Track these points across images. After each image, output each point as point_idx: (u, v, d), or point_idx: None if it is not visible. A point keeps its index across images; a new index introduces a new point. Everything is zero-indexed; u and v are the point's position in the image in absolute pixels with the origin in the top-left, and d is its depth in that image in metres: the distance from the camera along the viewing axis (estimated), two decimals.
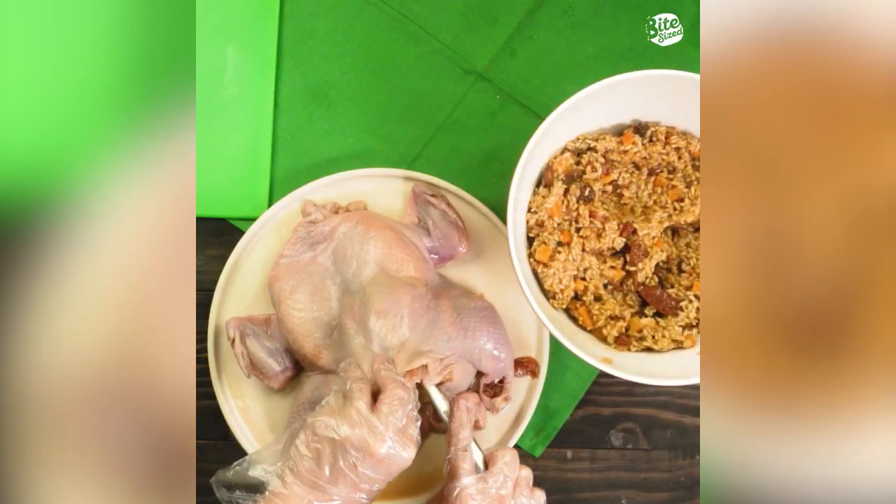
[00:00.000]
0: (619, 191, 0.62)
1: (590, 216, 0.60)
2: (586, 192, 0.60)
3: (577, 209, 0.60)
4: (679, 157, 0.62)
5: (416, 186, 0.66)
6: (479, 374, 0.62)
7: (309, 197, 0.66)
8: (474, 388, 0.62)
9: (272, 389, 0.64)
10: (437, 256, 0.65)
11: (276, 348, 0.63)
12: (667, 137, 0.62)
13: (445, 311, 0.60)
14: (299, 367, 0.64)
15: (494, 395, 0.63)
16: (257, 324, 0.64)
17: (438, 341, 0.58)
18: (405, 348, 0.58)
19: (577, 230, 0.60)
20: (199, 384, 0.64)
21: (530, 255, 0.60)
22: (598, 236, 0.60)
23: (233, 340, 0.63)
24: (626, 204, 0.63)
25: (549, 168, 0.61)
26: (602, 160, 0.61)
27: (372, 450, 0.50)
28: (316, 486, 0.50)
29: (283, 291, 0.62)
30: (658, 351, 0.60)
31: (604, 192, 0.62)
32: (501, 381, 0.63)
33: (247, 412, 0.65)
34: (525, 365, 0.65)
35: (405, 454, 0.51)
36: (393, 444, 0.50)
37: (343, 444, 0.50)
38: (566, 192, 0.61)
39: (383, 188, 0.67)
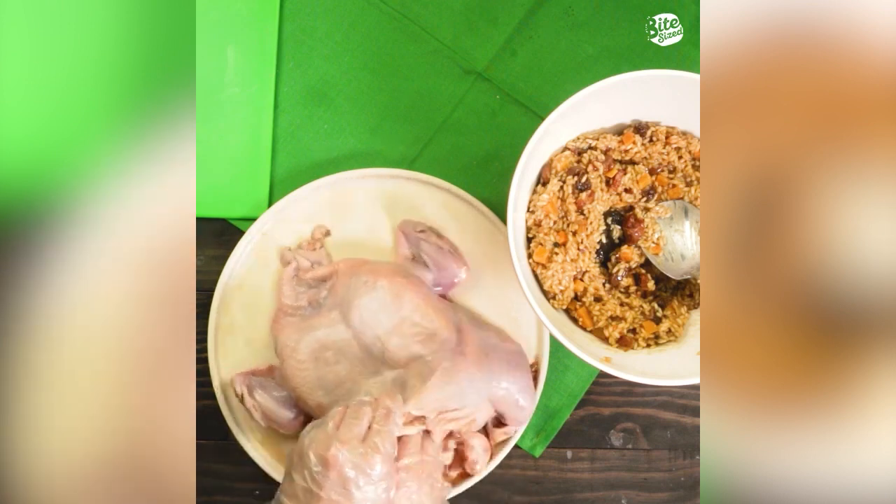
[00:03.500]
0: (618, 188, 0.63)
1: (577, 208, 0.60)
2: (584, 180, 0.60)
3: (572, 202, 0.60)
4: (679, 157, 0.62)
5: (402, 225, 0.66)
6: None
7: (307, 197, 0.66)
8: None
9: (287, 436, 0.63)
10: (439, 288, 0.65)
11: (285, 396, 0.63)
12: (667, 137, 0.62)
13: (471, 352, 0.60)
14: None
15: (496, 426, 0.63)
16: (261, 375, 0.64)
17: (461, 382, 0.58)
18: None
19: (573, 233, 0.60)
20: (198, 384, 0.64)
21: (529, 256, 0.60)
22: (586, 229, 0.60)
23: (241, 396, 0.62)
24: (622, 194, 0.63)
25: (548, 165, 0.61)
26: (603, 157, 0.61)
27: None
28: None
29: (287, 348, 0.62)
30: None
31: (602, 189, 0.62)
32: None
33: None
34: None
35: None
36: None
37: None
38: (562, 187, 0.60)
39: (383, 188, 0.67)
